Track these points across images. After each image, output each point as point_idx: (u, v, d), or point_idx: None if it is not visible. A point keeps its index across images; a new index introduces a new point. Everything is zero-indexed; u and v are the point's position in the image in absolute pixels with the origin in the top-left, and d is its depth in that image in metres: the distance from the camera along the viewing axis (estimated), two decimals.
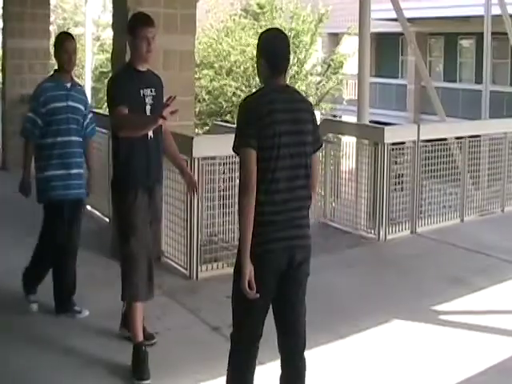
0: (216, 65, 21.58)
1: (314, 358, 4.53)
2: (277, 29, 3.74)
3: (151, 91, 4.37)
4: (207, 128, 20.10)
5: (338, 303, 5.53)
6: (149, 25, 4.36)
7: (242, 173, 3.28)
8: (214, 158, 6.05)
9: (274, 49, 3.37)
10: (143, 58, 4.37)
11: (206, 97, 21.22)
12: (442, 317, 5.32)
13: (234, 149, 3.32)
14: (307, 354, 4.50)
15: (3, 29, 11.28)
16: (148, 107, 4.33)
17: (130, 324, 4.41)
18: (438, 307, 5.47)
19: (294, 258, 3.37)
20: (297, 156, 3.31)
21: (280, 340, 3.51)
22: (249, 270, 3.26)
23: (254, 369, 3.52)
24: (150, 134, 4.32)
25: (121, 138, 4.30)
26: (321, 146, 3.52)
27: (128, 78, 4.37)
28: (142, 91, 4.33)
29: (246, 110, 3.32)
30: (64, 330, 4.89)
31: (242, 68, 21.25)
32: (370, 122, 9.92)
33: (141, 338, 4.37)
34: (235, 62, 21.34)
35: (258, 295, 3.25)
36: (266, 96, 3.33)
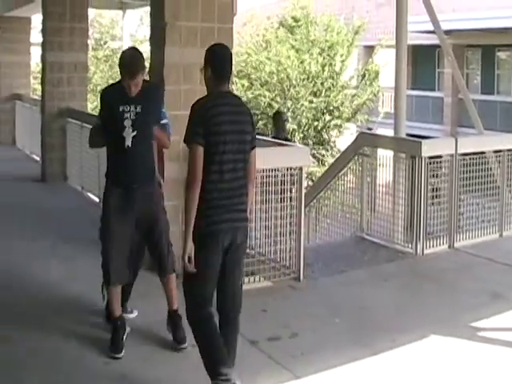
0: (253, 76, 21.69)
1: (349, 373, 4.56)
2: (221, 44, 4.29)
3: (135, 107, 4.78)
4: None
5: (374, 318, 5.51)
6: (131, 78, 4.70)
7: (190, 166, 3.87)
8: None
9: (218, 60, 3.99)
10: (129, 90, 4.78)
11: None
12: (481, 333, 5.27)
13: (185, 142, 3.91)
14: (342, 368, 4.55)
15: (42, 43, 11.47)
16: (128, 122, 4.76)
17: (109, 303, 4.95)
18: (477, 323, 5.42)
19: (236, 237, 3.96)
20: (238, 152, 3.93)
21: (219, 305, 4.10)
22: (190, 247, 3.88)
23: (219, 335, 4.02)
24: (128, 143, 4.75)
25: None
26: (255, 146, 4.10)
27: (111, 94, 4.90)
28: (121, 107, 4.77)
29: (196, 111, 3.93)
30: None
31: (276, 78, 21.30)
32: (407, 135, 9.89)
33: (117, 313, 4.90)
34: (270, 72, 21.41)
35: (199, 268, 3.89)
36: (213, 100, 3.95)
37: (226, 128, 3.88)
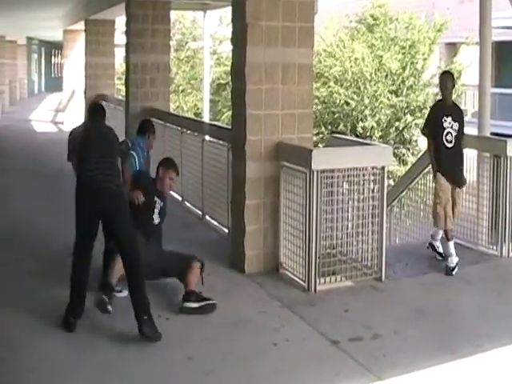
0: (326, 74, 21.55)
1: (433, 377, 4.46)
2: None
3: None
4: (320, 136, 20.09)
5: (459, 322, 5.38)
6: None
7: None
8: (332, 170, 6.02)
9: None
10: None
11: (319, 107, 21.22)
12: None
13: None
14: (425, 372, 4.47)
15: (126, 44, 11.70)
16: None
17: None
18: None
19: (103, 201, 5.24)
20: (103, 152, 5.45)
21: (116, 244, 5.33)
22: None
23: (88, 263, 5.30)
24: None
25: None
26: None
27: None
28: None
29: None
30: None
31: (351, 76, 21.05)
32: (490, 134, 9.61)
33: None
34: (345, 70, 21.19)
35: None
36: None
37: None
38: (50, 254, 6.74)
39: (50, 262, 6.47)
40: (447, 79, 7.00)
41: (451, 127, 6.77)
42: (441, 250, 6.97)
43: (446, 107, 6.90)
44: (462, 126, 6.85)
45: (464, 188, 7.15)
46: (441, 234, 6.98)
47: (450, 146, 6.75)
